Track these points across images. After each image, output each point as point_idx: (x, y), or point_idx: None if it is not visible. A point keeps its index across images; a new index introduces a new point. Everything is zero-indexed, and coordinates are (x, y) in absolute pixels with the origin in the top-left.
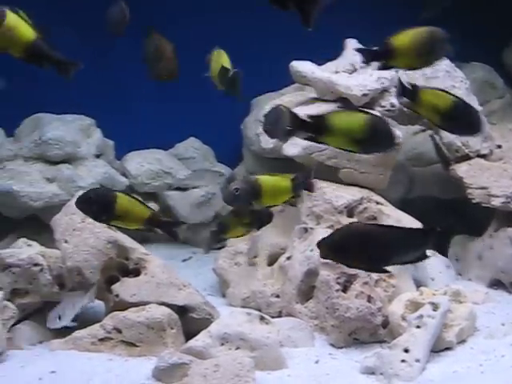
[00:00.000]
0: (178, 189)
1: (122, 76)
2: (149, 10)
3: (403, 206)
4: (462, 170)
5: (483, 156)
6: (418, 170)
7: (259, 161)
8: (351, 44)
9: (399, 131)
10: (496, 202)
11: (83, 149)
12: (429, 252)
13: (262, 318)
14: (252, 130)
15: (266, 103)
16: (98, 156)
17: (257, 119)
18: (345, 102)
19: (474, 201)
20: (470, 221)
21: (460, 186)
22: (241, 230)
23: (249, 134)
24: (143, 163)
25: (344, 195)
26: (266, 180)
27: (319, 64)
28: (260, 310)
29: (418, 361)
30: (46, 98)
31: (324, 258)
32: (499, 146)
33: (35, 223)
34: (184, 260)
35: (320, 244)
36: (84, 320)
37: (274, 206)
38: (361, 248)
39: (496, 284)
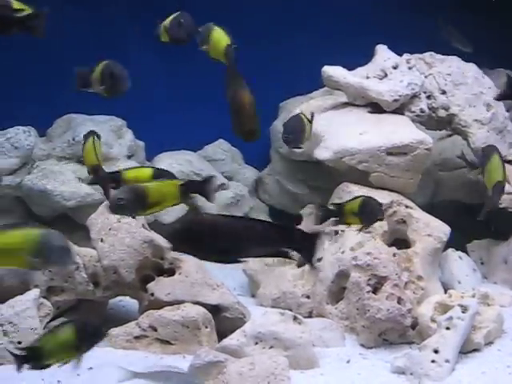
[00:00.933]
0: None
1: (151, 77)
2: None
3: (429, 209)
4: None
5: (510, 162)
6: (444, 175)
7: (287, 163)
8: (381, 49)
9: (429, 136)
10: None
11: (115, 149)
12: (455, 255)
13: (295, 318)
14: (281, 133)
15: (294, 106)
16: (129, 157)
17: None
18: (375, 107)
19: (501, 205)
20: (495, 225)
21: (482, 191)
22: None
23: (277, 137)
24: (174, 164)
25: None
26: (151, 187)
27: (349, 69)
28: (290, 311)
29: (447, 361)
30: (77, 98)
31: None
32: None
33: (66, 222)
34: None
35: (168, 234)
36: (118, 318)
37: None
38: (207, 238)
39: None
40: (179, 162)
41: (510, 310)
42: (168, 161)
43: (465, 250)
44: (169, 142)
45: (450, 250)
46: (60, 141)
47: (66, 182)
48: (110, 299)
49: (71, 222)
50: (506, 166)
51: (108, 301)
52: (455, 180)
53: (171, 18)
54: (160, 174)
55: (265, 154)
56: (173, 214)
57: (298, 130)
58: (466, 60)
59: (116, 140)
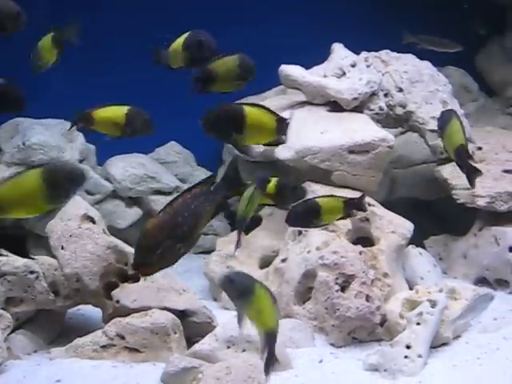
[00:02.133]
0: (162, 193)
1: (98, 78)
2: None
3: (386, 207)
4: (446, 171)
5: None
6: (399, 172)
7: (241, 165)
8: (338, 48)
9: (391, 134)
10: (481, 202)
11: (67, 154)
12: (415, 251)
13: None
14: None
15: None
16: (81, 161)
17: None
18: (334, 106)
19: (459, 201)
20: (450, 221)
21: (441, 187)
22: None
23: None
24: (127, 168)
25: None
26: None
27: (305, 68)
28: None
29: (420, 356)
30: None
31: None
32: (480, 148)
33: (17, 230)
34: None
35: None
36: (78, 328)
37: None
38: None
39: (481, 281)
40: (132, 166)
41: (474, 304)
42: (121, 164)
43: (422, 246)
44: (119, 145)
45: (410, 247)
46: (9, 146)
47: None
48: (69, 309)
49: (23, 230)
50: None
51: (66, 310)
52: (410, 177)
53: (184, 38)
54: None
55: (217, 156)
56: (128, 219)
57: None
58: (420, 58)
59: (67, 144)
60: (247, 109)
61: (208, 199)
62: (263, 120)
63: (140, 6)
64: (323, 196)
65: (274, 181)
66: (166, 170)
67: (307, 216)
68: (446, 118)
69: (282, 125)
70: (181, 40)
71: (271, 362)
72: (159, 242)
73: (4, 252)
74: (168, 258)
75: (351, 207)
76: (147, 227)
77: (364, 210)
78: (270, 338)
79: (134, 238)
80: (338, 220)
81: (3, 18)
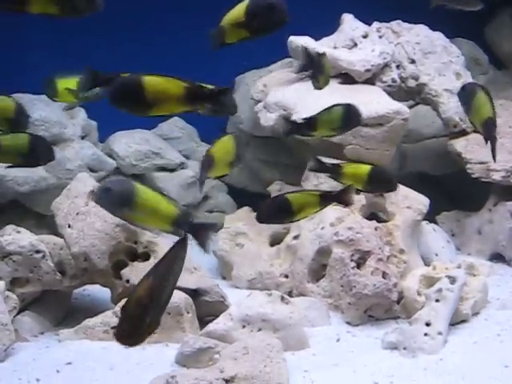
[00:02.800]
0: (166, 169)
1: (100, 53)
2: None
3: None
4: (460, 145)
5: (479, 131)
6: (409, 147)
7: (247, 139)
8: (348, 19)
9: (405, 107)
10: (496, 177)
11: (69, 130)
12: (429, 227)
13: (282, 299)
14: (240, 108)
15: (252, 80)
16: (83, 137)
17: (246, 97)
18: (346, 78)
19: (473, 176)
20: (462, 196)
21: (452, 162)
22: None
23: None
24: (131, 144)
25: None
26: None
27: (315, 40)
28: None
29: (440, 334)
30: (21, 77)
31: None
32: None
33: (17, 209)
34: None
35: None
36: (88, 309)
37: None
38: None
39: (496, 257)
40: (136, 142)
41: (489, 281)
42: (124, 140)
43: (434, 222)
44: (121, 121)
45: (424, 223)
46: None
47: None
48: (75, 289)
49: (22, 208)
50: (479, 136)
51: (73, 291)
52: (420, 151)
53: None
54: None
55: (222, 131)
56: None
57: None
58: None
59: (69, 120)
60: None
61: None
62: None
63: None
64: (296, 191)
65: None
66: (169, 145)
67: (277, 213)
68: (470, 90)
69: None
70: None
71: None
72: (150, 309)
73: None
74: (154, 326)
75: (328, 200)
76: (139, 294)
77: (349, 204)
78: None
79: None
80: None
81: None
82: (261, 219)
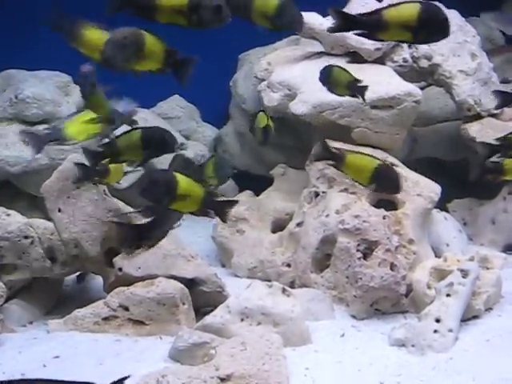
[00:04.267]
0: None
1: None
2: None
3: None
4: (474, 129)
5: (494, 115)
6: (419, 130)
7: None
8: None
9: (417, 88)
10: None
11: (63, 108)
12: (440, 215)
13: (283, 290)
14: (244, 87)
15: (256, 58)
16: None
17: (250, 75)
18: (355, 57)
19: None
20: (475, 184)
21: (466, 147)
22: None
23: (239, 92)
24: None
25: None
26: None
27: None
28: (269, 281)
29: (450, 331)
30: (15, 52)
31: None
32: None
33: (8, 190)
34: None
35: None
36: (81, 298)
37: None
38: None
39: (510, 249)
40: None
41: (503, 273)
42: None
43: (445, 210)
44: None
45: (434, 211)
46: (0, 100)
47: (9, 146)
48: (67, 276)
49: (14, 189)
50: (494, 120)
51: (64, 278)
52: (431, 135)
53: None
54: None
55: (224, 111)
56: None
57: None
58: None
59: (63, 97)
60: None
61: None
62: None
63: None
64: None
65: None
66: (169, 125)
67: (158, 190)
68: (327, 70)
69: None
70: None
71: None
72: None
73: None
74: None
75: (208, 206)
76: None
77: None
78: None
79: (133, 199)
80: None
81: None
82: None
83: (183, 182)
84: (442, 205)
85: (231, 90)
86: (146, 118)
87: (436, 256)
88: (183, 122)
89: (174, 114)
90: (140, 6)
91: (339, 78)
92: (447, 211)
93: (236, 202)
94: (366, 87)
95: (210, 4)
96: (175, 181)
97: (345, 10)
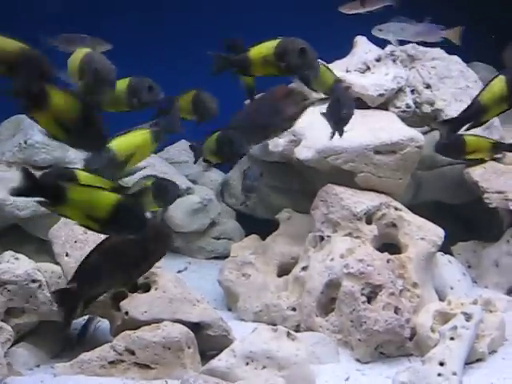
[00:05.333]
0: None
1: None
2: None
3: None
4: (476, 173)
5: (497, 159)
6: (423, 174)
7: (257, 164)
8: (362, 41)
9: (420, 134)
10: None
11: (71, 153)
12: (444, 259)
13: (288, 334)
14: None
15: None
16: None
17: None
18: (358, 103)
19: (491, 205)
20: (479, 226)
21: (468, 191)
22: None
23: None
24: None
25: (363, 201)
26: None
27: (327, 63)
28: (275, 325)
29: (454, 374)
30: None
31: None
32: None
33: (17, 234)
34: (179, 271)
35: None
36: (89, 341)
37: None
38: None
39: None
40: (141, 166)
41: (507, 316)
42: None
43: (449, 253)
44: None
45: (438, 254)
46: (10, 145)
47: None
48: (75, 320)
49: (23, 233)
50: (496, 164)
51: (72, 321)
52: (435, 179)
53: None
54: None
55: None
56: None
57: None
58: (448, 53)
59: None
60: None
61: None
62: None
63: None
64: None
65: None
66: (176, 170)
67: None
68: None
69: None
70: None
71: None
72: None
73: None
74: None
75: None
76: None
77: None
78: None
79: None
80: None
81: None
82: None
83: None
84: (446, 247)
85: None
86: (153, 162)
87: (440, 299)
88: (190, 166)
89: (180, 158)
90: (239, 65)
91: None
92: (451, 254)
93: None
94: (348, 87)
95: (295, 48)
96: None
97: (349, 57)
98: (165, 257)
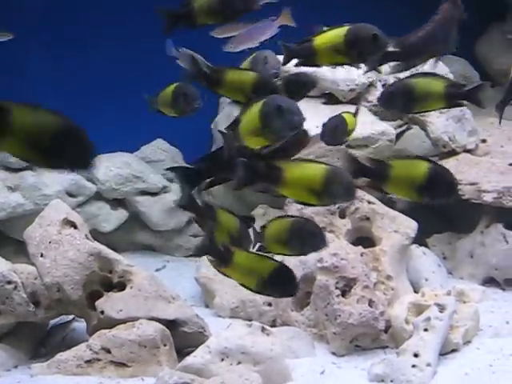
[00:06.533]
0: (148, 193)
1: (82, 73)
2: None
3: (386, 205)
4: (449, 165)
5: (469, 151)
6: None
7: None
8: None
9: (391, 127)
10: (488, 198)
11: None
12: (419, 250)
13: (263, 329)
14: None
15: None
16: None
17: (231, 118)
18: (330, 98)
19: (464, 197)
20: (453, 218)
21: None
22: None
23: (219, 135)
24: (111, 168)
25: None
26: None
27: None
28: (251, 320)
29: (429, 365)
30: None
31: None
32: (484, 141)
33: None
34: (157, 269)
35: None
36: (66, 341)
37: None
38: None
39: (489, 281)
40: (117, 165)
41: (482, 306)
42: (105, 164)
43: (425, 245)
44: (102, 144)
45: (413, 246)
46: None
47: None
48: (51, 320)
49: (1, 235)
50: (469, 156)
51: (49, 322)
52: None
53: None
54: None
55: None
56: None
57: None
58: None
59: None
60: None
61: None
62: None
63: None
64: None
65: None
66: (152, 169)
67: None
68: None
69: None
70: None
71: None
72: None
73: None
74: None
75: None
76: None
77: None
78: None
79: (120, 242)
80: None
81: None
82: None
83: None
84: (421, 240)
85: (212, 132)
86: (129, 161)
87: (415, 291)
88: (166, 165)
89: (156, 157)
90: (303, 55)
91: None
92: (427, 246)
93: None
94: None
95: (367, 35)
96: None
97: None
98: (143, 255)
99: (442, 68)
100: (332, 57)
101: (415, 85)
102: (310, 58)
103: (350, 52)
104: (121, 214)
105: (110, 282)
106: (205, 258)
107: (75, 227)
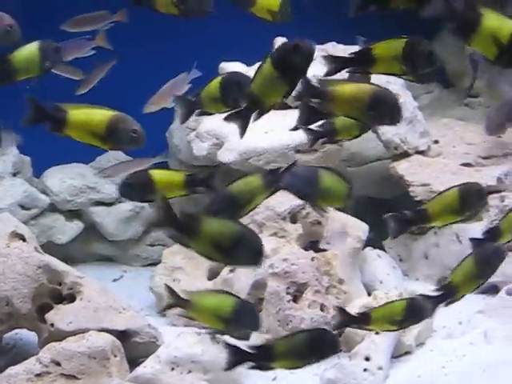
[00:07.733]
0: (103, 204)
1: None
2: None
3: (341, 208)
4: (401, 167)
5: (422, 152)
6: (353, 171)
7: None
8: (280, 42)
9: None
10: None
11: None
12: (373, 253)
13: (212, 338)
14: (179, 137)
15: None
16: (14, 174)
17: (184, 126)
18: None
19: (416, 198)
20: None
21: (397, 185)
22: None
23: (175, 143)
24: (65, 179)
25: (286, 201)
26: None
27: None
28: (205, 328)
29: (380, 368)
30: None
31: None
32: (436, 142)
33: None
34: (115, 280)
35: None
36: (16, 355)
37: None
38: None
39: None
40: (71, 176)
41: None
42: (59, 175)
43: (382, 248)
44: (57, 156)
45: (367, 249)
46: None
47: None
48: (4, 334)
49: None
50: (421, 157)
51: (2, 336)
52: (365, 175)
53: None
54: None
55: (162, 162)
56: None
57: None
58: None
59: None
60: None
61: None
62: None
63: None
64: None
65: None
66: (106, 180)
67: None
68: None
69: None
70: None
71: None
72: None
73: None
74: None
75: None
76: None
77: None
78: None
79: (77, 253)
80: None
81: None
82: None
83: None
84: (377, 242)
85: (167, 140)
86: (82, 172)
87: (369, 294)
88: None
89: None
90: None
91: None
92: (383, 248)
93: None
94: None
95: (424, 50)
96: None
97: None
98: (100, 266)
99: None
100: (389, 66)
101: None
102: (366, 64)
103: (406, 63)
104: (76, 226)
105: (59, 294)
106: (159, 267)
107: (24, 240)
